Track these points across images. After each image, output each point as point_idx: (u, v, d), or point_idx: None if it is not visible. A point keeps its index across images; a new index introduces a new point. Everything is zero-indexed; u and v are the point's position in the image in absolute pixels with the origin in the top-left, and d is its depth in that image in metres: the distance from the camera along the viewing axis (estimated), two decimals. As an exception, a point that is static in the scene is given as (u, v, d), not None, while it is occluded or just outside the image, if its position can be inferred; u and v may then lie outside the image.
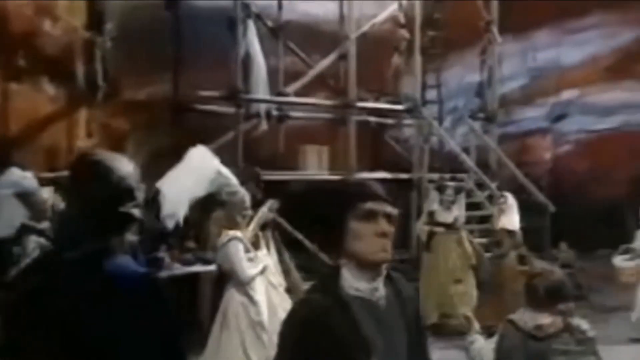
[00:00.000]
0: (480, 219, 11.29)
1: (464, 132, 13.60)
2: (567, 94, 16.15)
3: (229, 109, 10.24)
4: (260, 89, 10.30)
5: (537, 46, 16.16)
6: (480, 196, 11.31)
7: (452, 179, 11.55)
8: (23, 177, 6.59)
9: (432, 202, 9.65)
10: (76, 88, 10.85)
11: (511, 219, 9.24)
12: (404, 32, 11.83)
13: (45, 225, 6.15)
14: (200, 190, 6.37)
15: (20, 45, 10.65)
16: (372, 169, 11.94)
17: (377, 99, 13.26)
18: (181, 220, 6.43)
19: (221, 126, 10.61)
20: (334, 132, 11.61)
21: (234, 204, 6.08)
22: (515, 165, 15.92)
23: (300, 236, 9.00)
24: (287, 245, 7.67)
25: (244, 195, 6.15)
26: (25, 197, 6.37)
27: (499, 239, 9.29)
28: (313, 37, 12.69)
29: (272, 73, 11.83)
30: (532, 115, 16.47)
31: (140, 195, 2.53)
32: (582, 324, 3.96)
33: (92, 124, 11.17)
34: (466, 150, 12.39)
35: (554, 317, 3.88)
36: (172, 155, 10.92)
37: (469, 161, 11.37)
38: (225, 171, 6.56)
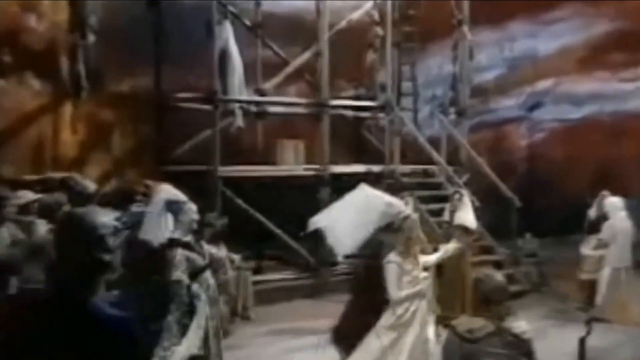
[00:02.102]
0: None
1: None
2: (542, 84, 16.59)
3: (208, 107, 10.60)
4: (237, 88, 10.66)
5: (513, 37, 16.56)
6: (450, 189, 11.71)
7: (424, 172, 12.04)
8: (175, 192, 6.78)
9: None
10: (61, 83, 11.15)
11: (467, 216, 9.23)
12: (379, 29, 12.17)
13: (190, 238, 6.38)
14: (371, 226, 6.63)
15: (6, 41, 10.95)
16: (349, 162, 12.37)
17: (356, 88, 13.70)
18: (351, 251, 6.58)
19: (201, 122, 11.01)
20: (311, 126, 11.95)
21: (408, 228, 6.39)
22: (492, 152, 16.52)
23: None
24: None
25: (415, 218, 6.53)
26: (174, 209, 6.57)
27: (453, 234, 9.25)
28: (294, 29, 13.00)
29: (251, 66, 12.23)
30: (509, 104, 16.91)
31: (114, 241, 2.94)
32: (519, 326, 4.22)
33: (77, 119, 11.49)
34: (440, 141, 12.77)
35: (485, 321, 4.18)
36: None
37: (437, 156, 11.77)
38: (393, 200, 6.77)
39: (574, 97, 16.25)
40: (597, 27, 15.71)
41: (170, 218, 6.40)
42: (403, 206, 6.87)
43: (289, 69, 11.84)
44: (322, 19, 11.30)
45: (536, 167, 16.38)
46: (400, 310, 6.26)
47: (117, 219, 6.53)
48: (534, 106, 16.73)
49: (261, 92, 12.03)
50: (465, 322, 4.31)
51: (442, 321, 8.83)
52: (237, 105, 10.84)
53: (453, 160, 12.58)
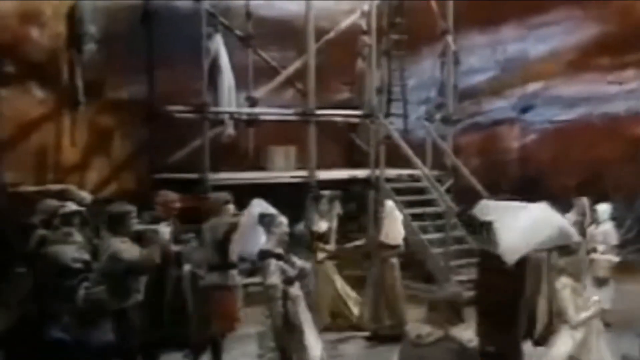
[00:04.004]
0: (435, 215, 12.15)
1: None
2: (533, 86, 16.92)
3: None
4: (227, 99, 11.14)
5: (505, 40, 16.89)
6: (434, 193, 12.16)
7: (410, 177, 12.47)
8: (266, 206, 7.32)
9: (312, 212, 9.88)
10: (62, 92, 11.63)
11: (393, 232, 9.18)
12: (367, 38, 12.60)
13: (280, 250, 6.77)
14: (549, 243, 6.73)
15: (9, 52, 11.44)
16: (338, 167, 12.81)
17: (351, 92, 14.16)
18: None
19: (194, 130, 11.45)
20: (303, 131, 12.34)
21: (578, 260, 6.73)
22: (484, 153, 16.91)
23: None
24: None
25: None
26: (266, 222, 7.06)
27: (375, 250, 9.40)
28: (287, 34, 13.37)
29: (243, 72, 12.65)
30: (501, 105, 17.27)
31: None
32: (466, 335, 4.59)
33: (77, 127, 11.94)
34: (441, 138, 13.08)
35: (434, 328, 4.54)
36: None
37: (418, 162, 12.16)
38: (568, 227, 6.96)
39: (564, 100, 16.57)
40: (585, 31, 16.00)
41: (262, 230, 6.97)
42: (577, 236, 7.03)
43: (280, 78, 12.27)
44: (309, 29, 11.68)
45: (528, 168, 16.75)
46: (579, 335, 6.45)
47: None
48: (526, 108, 17.07)
49: (252, 100, 12.49)
50: (415, 328, 4.69)
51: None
52: (227, 115, 11.32)
53: (439, 165, 13.00)
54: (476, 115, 16.95)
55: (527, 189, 15.52)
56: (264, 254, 6.78)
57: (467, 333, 4.59)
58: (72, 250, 3.56)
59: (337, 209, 9.76)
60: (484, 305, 6.99)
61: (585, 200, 10.08)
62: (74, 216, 6.99)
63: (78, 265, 3.38)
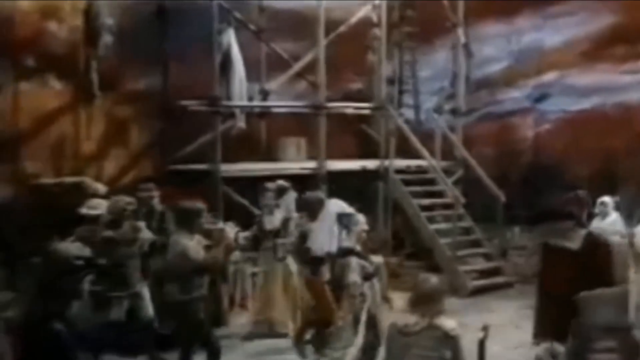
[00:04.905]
0: (444, 206, 12.34)
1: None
2: (548, 76, 16.97)
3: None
4: (238, 92, 11.39)
5: (520, 30, 16.95)
6: (442, 184, 12.31)
7: (418, 168, 12.66)
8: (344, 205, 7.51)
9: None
10: (80, 84, 11.97)
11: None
12: (377, 31, 12.77)
13: (359, 247, 7.02)
14: None
15: (28, 46, 11.80)
16: (352, 158, 13.01)
17: (363, 83, 14.33)
18: None
19: (207, 122, 11.74)
20: (314, 123, 12.56)
21: None
22: (498, 142, 17.01)
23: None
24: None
25: None
26: (345, 221, 7.25)
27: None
28: (300, 25, 13.56)
29: (255, 64, 12.87)
30: (515, 95, 17.34)
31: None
32: (449, 324, 4.81)
33: (94, 118, 12.27)
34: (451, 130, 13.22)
35: (420, 318, 4.79)
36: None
37: (426, 153, 12.33)
38: None
39: (578, 89, 16.56)
40: (600, 21, 16.00)
41: (339, 229, 7.14)
42: None
43: (291, 71, 12.50)
44: (319, 24, 11.87)
45: (542, 158, 16.82)
46: None
47: None
48: (540, 98, 17.12)
49: (264, 92, 12.74)
50: (403, 318, 4.96)
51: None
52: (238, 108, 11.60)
53: (450, 156, 13.17)
54: (490, 105, 17.04)
55: (540, 179, 15.79)
56: (345, 252, 6.98)
57: (450, 322, 4.81)
58: (74, 248, 3.82)
59: (292, 201, 9.11)
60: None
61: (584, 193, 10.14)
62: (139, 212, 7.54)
63: (79, 262, 3.64)
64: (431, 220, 11.84)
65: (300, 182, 11.78)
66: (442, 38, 15.66)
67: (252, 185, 10.48)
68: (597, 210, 10.30)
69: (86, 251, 3.90)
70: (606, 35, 15.84)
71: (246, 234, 9.22)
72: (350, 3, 13.24)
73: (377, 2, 12.76)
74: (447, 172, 12.76)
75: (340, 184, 11.71)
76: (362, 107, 12.81)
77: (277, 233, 8.99)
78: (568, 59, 16.48)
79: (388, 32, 12.98)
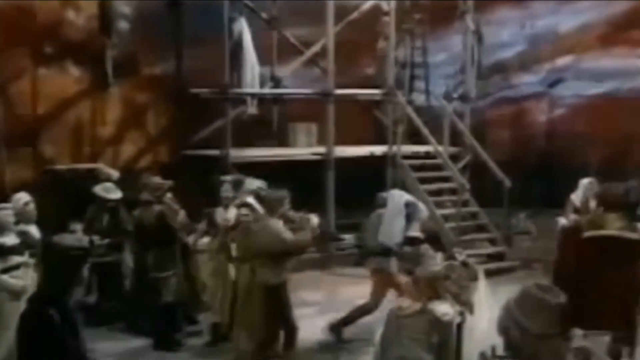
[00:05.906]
0: (452, 191, 12.52)
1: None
2: (563, 60, 17.00)
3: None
4: (249, 80, 11.64)
5: (535, 14, 16.97)
6: (450, 169, 12.44)
7: (426, 154, 12.81)
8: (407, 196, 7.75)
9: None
10: (97, 70, 12.29)
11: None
12: (387, 18, 12.91)
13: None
14: None
15: (48, 34, 12.18)
16: (363, 144, 13.19)
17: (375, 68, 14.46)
18: None
19: (220, 108, 12.01)
20: (324, 109, 12.74)
21: None
22: (513, 126, 17.11)
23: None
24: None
25: None
26: (410, 210, 7.46)
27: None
28: (313, 10, 13.68)
29: (267, 49, 13.09)
30: (530, 80, 17.41)
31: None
32: (441, 309, 4.99)
33: (111, 103, 12.61)
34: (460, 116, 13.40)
35: (412, 301, 5.02)
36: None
37: (432, 139, 12.47)
38: None
39: (593, 74, 16.57)
40: (617, 4, 15.99)
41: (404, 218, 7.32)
42: None
43: (302, 58, 12.72)
44: (328, 12, 12.04)
45: (556, 142, 16.90)
46: None
47: None
48: (555, 82, 17.16)
49: (276, 79, 12.99)
50: (398, 302, 5.26)
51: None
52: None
53: (459, 142, 13.32)
54: (504, 89, 17.15)
55: (553, 162, 15.88)
56: (414, 241, 7.04)
57: (442, 307, 4.98)
58: (72, 239, 4.12)
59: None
60: None
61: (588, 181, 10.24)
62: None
63: (78, 252, 3.96)
64: (439, 205, 12.03)
65: (311, 167, 12.13)
66: (455, 23, 15.79)
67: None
68: None
69: (84, 242, 4.19)
70: (622, 19, 15.85)
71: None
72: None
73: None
74: (456, 157, 12.89)
75: (349, 170, 11.98)
76: (371, 94, 12.97)
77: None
78: (583, 43, 16.51)
79: (399, 19, 13.09)
